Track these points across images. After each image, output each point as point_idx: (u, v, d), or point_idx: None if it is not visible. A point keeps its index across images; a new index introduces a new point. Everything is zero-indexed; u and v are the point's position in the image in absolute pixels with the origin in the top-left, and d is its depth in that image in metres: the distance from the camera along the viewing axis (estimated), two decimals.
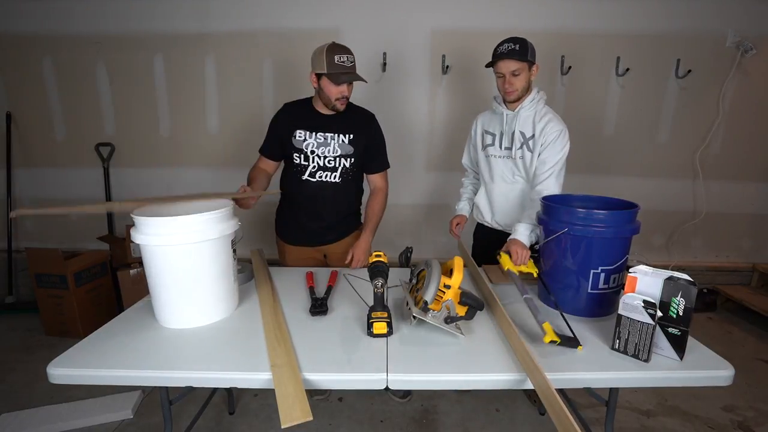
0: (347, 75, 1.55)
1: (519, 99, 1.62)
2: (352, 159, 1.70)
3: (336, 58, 1.53)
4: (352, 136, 1.69)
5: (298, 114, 1.69)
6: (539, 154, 1.60)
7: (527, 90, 1.61)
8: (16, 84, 2.77)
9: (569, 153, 1.61)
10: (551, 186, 1.57)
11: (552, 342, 1.06)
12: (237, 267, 1.33)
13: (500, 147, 1.70)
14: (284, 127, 1.68)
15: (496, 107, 1.71)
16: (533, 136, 1.62)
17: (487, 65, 1.62)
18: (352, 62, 1.57)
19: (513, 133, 1.65)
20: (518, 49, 1.52)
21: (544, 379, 0.90)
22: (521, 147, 1.64)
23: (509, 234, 1.73)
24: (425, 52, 2.68)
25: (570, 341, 1.08)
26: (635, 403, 1.95)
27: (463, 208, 1.94)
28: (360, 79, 1.59)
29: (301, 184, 1.70)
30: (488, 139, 1.75)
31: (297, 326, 1.19)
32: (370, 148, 1.75)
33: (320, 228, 1.76)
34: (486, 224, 1.84)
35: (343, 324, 1.22)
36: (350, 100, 1.76)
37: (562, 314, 1.22)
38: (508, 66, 1.55)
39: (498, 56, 1.56)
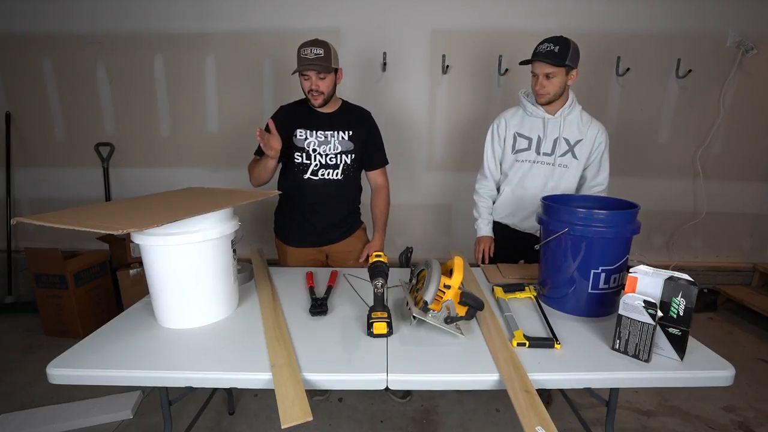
0: (305, 66, 1.54)
1: (551, 102, 1.56)
2: (353, 155, 1.71)
3: (302, 51, 1.55)
4: (351, 132, 1.70)
5: (297, 114, 1.70)
6: (594, 160, 1.63)
7: (562, 94, 1.55)
8: (16, 84, 2.77)
9: None
10: (607, 180, 1.68)
11: (520, 344, 1.07)
12: (237, 267, 1.33)
13: (538, 152, 1.63)
14: (284, 127, 1.68)
15: (532, 110, 1.62)
16: (580, 141, 1.59)
17: (524, 62, 1.56)
18: (316, 54, 1.54)
19: (556, 139, 1.59)
20: (556, 52, 1.45)
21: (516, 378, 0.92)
22: (565, 154, 1.60)
23: (529, 234, 1.74)
24: (425, 52, 2.68)
25: (545, 341, 1.08)
26: (635, 404, 1.95)
27: (488, 230, 1.81)
28: (320, 68, 1.54)
29: (304, 183, 1.70)
30: (522, 143, 1.66)
31: (297, 326, 1.19)
32: (368, 145, 1.76)
33: (325, 226, 1.76)
34: (503, 223, 1.81)
35: (343, 324, 1.21)
36: (348, 99, 1.77)
37: (542, 311, 1.26)
38: (542, 68, 1.49)
39: (535, 56, 1.50)
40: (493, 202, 1.82)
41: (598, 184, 1.68)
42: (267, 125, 1.56)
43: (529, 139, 1.64)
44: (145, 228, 0.97)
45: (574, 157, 1.62)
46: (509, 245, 1.80)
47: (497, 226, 1.84)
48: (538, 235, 1.73)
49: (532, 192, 1.67)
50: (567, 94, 1.59)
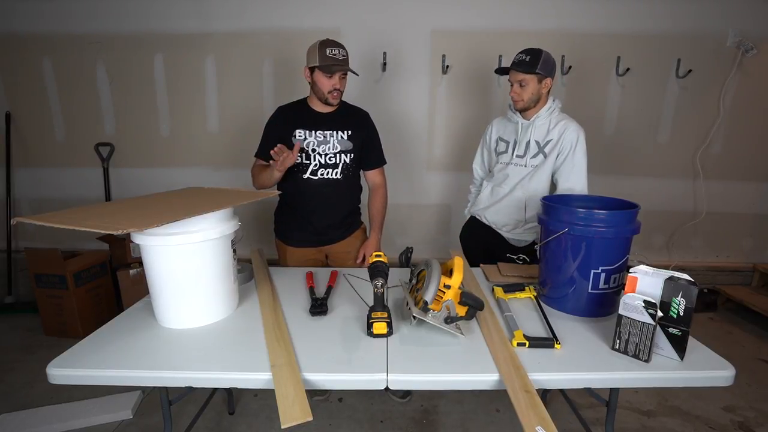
0: (338, 66, 1.57)
1: (527, 109, 1.65)
2: (352, 154, 1.72)
3: (328, 51, 1.57)
4: (350, 132, 1.70)
5: (296, 114, 1.70)
6: (565, 159, 1.63)
7: (539, 102, 1.64)
8: (16, 84, 2.77)
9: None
10: (582, 183, 1.64)
11: (520, 344, 1.07)
12: (237, 267, 1.33)
13: (512, 155, 1.73)
14: (283, 127, 1.68)
15: (511, 115, 1.74)
16: (549, 141, 1.65)
17: (501, 72, 1.69)
18: (344, 56, 1.59)
19: (528, 142, 1.68)
20: (527, 61, 1.57)
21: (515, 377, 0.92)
22: (536, 155, 1.67)
23: (496, 231, 1.81)
24: (425, 52, 2.68)
25: (545, 341, 1.08)
26: (636, 404, 1.95)
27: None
28: (351, 71, 1.62)
29: (303, 183, 1.70)
30: (502, 147, 1.77)
31: (297, 326, 1.19)
32: (367, 145, 1.77)
33: (325, 226, 1.76)
34: (477, 216, 1.88)
35: (343, 324, 1.21)
36: (347, 100, 1.77)
37: (542, 311, 1.26)
38: (515, 76, 1.61)
39: (511, 65, 1.62)
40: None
41: (569, 189, 1.63)
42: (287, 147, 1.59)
43: (507, 143, 1.76)
44: (145, 228, 0.97)
45: (545, 156, 1.66)
46: (478, 238, 1.89)
47: (472, 219, 1.93)
48: (501, 232, 1.79)
49: (506, 190, 1.75)
50: (544, 102, 1.67)
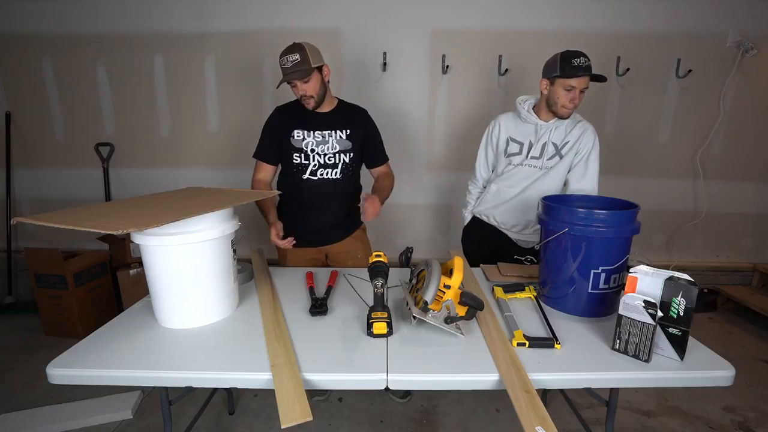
0: (285, 76, 1.55)
1: None
2: (351, 154, 1.71)
3: (281, 61, 1.55)
4: (349, 131, 1.70)
5: (294, 114, 1.70)
6: (580, 161, 1.63)
7: None
8: (16, 84, 2.77)
9: None
10: (593, 185, 1.64)
11: (520, 344, 1.07)
12: (237, 267, 1.33)
13: (526, 156, 1.68)
14: (282, 128, 1.68)
15: (526, 116, 1.67)
16: (567, 143, 1.63)
17: (556, 75, 1.53)
18: (293, 61, 1.52)
19: (545, 144, 1.65)
20: (591, 66, 1.51)
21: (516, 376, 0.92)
22: (552, 157, 1.65)
23: (503, 233, 1.79)
24: (425, 52, 2.68)
25: (545, 341, 1.08)
26: (636, 404, 1.95)
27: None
28: (299, 74, 1.52)
29: (303, 183, 1.70)
30: (514, 148, 1.71)
31: (297, 326, 1.19)
32: (368, 143, 1.76)
33: (324, 226, 1.76)
34: (482, 217, 1.86)
35: (343, 324, 1.21)
36: (348, 99, 1.77)
37: (542, 311, 1.26)
38: (582, 82, 1.52)
39: (577, 69, 1.49)
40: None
41: (581, 190, 1.63)
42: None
43: (521, 144, 1.70)
44: (145, 228, 0.97)
45: (560, 158, 1.65)
46: (482, 240, 1.86)
47: (475, 220, 1.90)
48: (509, 233, 1.78)
49: (516, 191, 1.73)
50: None
